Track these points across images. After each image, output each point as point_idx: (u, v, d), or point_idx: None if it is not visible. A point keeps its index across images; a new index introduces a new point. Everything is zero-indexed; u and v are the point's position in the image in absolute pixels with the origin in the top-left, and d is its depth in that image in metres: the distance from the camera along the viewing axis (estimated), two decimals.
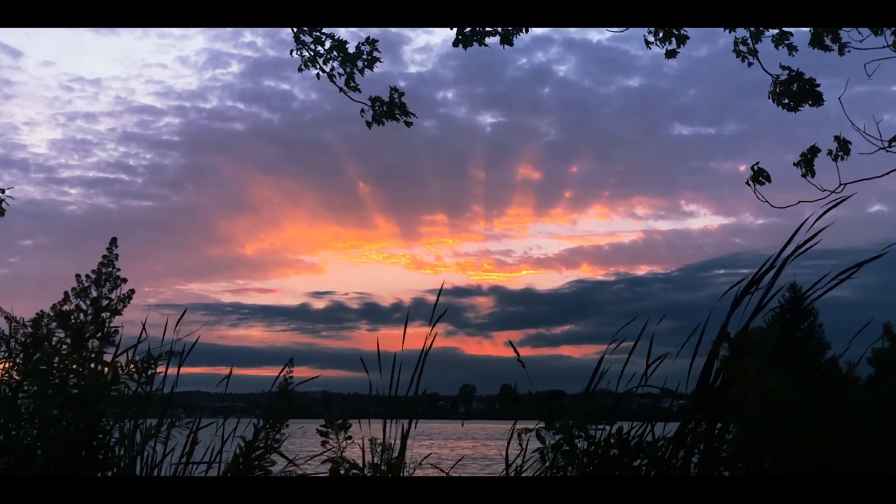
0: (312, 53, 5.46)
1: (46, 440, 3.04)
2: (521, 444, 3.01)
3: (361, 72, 5.51)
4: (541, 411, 2.92)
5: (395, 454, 3.27)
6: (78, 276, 3.33)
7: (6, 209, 6.79)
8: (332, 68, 5.51)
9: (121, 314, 3.33)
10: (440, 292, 3.70)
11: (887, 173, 5.08)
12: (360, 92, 5.56)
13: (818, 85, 5.49)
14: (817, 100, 5.52)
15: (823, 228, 3.18)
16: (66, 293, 3.29)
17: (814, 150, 5.51)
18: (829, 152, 5.49)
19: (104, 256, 3.35)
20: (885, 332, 3.82)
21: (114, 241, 3.39)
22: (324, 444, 3.18)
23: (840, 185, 5.21)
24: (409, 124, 5.60)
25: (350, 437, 3.20)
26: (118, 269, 3.36)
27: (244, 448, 3.35)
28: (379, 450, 3.25)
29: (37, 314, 3.21)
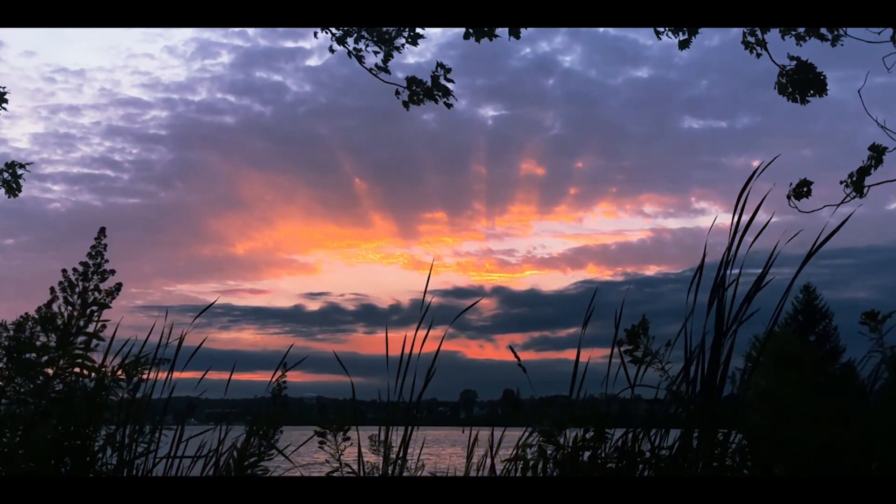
0: (343, 31, 5.37)
1: (28, 444, 3.06)
2: (527, 462, 3.02)
3: (399, 49, 5.41)
4: (541, 430, 2.94)
5: (395, 456, 3.31)
6: (64, 270, 3.36)
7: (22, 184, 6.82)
8: (367, 45, 5.40)
9: (109, 307, 3.35)
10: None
11: None
12: (388, 73, 5.45)
13: (822, 75, 5.48)
14: (821, 89, 5.49)
15: (841, 225, 3.14)
16: (52, 288, 3.32)
17: (863, 172, 5.46)
18: (862, 160, 5.49)
19: (92, 247, 3.36)
20: None
21: (102, 230, 3.41)
22: (321, 444, 3.22)
23: (865, 187, 5.22)
24: (449, 105, 5.51)
25: (349, 439, 3.24)
26: (107, 261, 3.38)
27: (236, 455, 3.38)
28: (381, 448, 3.28)
29: (20, 317, 3.23)
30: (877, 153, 5.41)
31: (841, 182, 5.46)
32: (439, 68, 5.49)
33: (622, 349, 3.07)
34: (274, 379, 3.55)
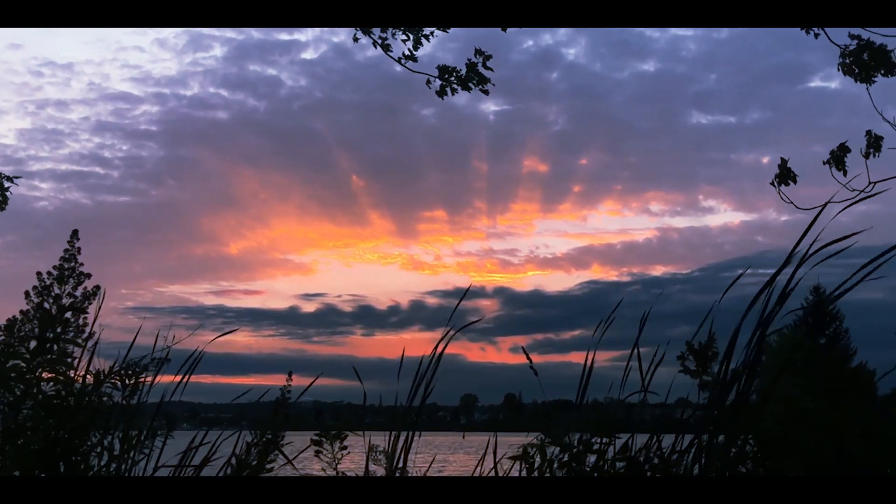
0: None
1: (16, 450, 3.04)
2: (527, 463, 3.00)
3: (427, 38, 5.41)
4: (551, 432, 2.92)
5: (397, 464, 3.28)
6: (39, 273, 3.33)
7: (9, 197, 6.82)
8: (394, 34, 5.39)
9: (86, 312, 3.32)
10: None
11: None
12: (415, 61, 5.46)
13: (891, 52, 5.42)
14: (891, 68, 5.45)
15: (858, 232, 3.09)
16: (26, 292, 3.29)
17: (843, 149, 5.44)
18: (860, 150, 5.47)
19: (65, 251, 3.35)
20: None
21: (75, 233, 3.38)
22: (317, 454, 3.20)
23: (870, 183, 5.17)
24: (485, 92, 5.49)
25: (346, 448, 3.22)
26: (81, 264, 3.36)
27: (235, 464, 3.35)
28: (382, 457, 3.25)
29: (8, 320, 3.21)
30: (873, 139, 5.40)
31: (824, 162, 5.42)
32: (478, 55, 5.45)
33: (683, 361, 3.07)
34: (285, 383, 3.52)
